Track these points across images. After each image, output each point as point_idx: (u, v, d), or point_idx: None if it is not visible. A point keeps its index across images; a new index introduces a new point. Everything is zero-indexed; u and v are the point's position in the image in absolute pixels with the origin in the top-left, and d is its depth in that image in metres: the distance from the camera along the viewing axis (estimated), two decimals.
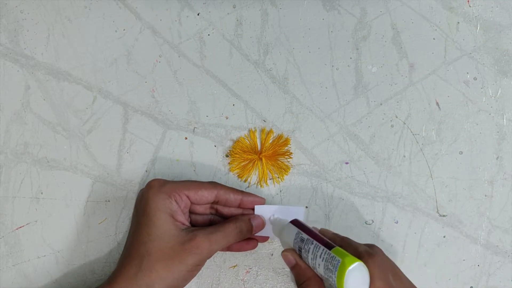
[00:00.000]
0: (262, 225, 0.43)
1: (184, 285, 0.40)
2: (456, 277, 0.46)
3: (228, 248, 0.43)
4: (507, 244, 0.46)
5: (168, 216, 0.39)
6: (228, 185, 0.44)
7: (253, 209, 0.43)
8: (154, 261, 0.38)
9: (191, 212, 0.43)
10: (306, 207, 0.47)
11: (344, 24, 0.48)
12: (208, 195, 0.42)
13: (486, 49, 0.48)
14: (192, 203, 0.42)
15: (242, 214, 0.43)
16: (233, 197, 0.42)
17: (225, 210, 0.43)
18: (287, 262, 0.40)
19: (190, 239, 0.39)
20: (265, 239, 0.45)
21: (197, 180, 0.46)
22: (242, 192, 0.43)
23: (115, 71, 0.48)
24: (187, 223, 0.41)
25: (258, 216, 0.43)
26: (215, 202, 0.43)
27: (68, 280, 0.46)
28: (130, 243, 0.40)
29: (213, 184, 0.42)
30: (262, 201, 0.44)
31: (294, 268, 0.40)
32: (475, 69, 0.48)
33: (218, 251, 0.45)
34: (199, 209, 0.43)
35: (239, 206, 0.43)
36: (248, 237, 0.43)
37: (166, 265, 0.38)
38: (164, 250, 0.38)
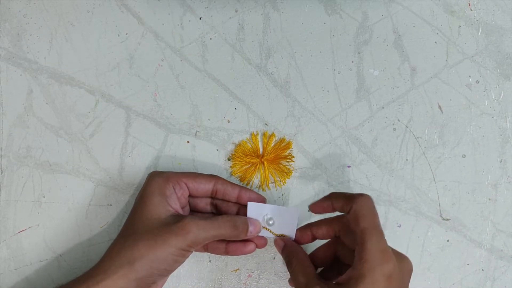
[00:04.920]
0: (259, 229, 0.42)
1: (168, 271, 0.39)
2: (460, 282, 0.46)
3: (226, 251, 0.42)
4: None
5: (162, 199, 0.40)
6: None
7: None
8: (138, 239, 0.38)
9: (192, 209, 0.43)
10: (309, 211, 0.46)
11: (346, 28, 0.48)
12: (206, 184, 0.42)
13: (488, 52, 0.48)
14: (190, 193, 0.42)
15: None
16: (231, 190, 0.42)
17: (224, 206, 0.43)
18: (278, 247, 0.42)
19: (178, 221, 0.39)
20: (263, 244, 0.43)
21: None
22: (241, 186, 0.43)
23: (118, 75, 0.48)
24: (180, 211, 0.41)
25: (257, 220, 0.42)
26: (214, 195, 0.43)
27: None
28: (123, 226, 0.41)
29: (212, 176, 0.43)
30: (262, 199, 0.43)
31: (283, 251, 0.41)
32: (477, 72, 0.48)
33: (219, 255, 0.45)
34: (200, 203, 0.43)
35: (237, 201, 0.43)
36: (246, 239, 0.42)
37: (149, 244, 0.38)
38: (149, 229, 0.39)
